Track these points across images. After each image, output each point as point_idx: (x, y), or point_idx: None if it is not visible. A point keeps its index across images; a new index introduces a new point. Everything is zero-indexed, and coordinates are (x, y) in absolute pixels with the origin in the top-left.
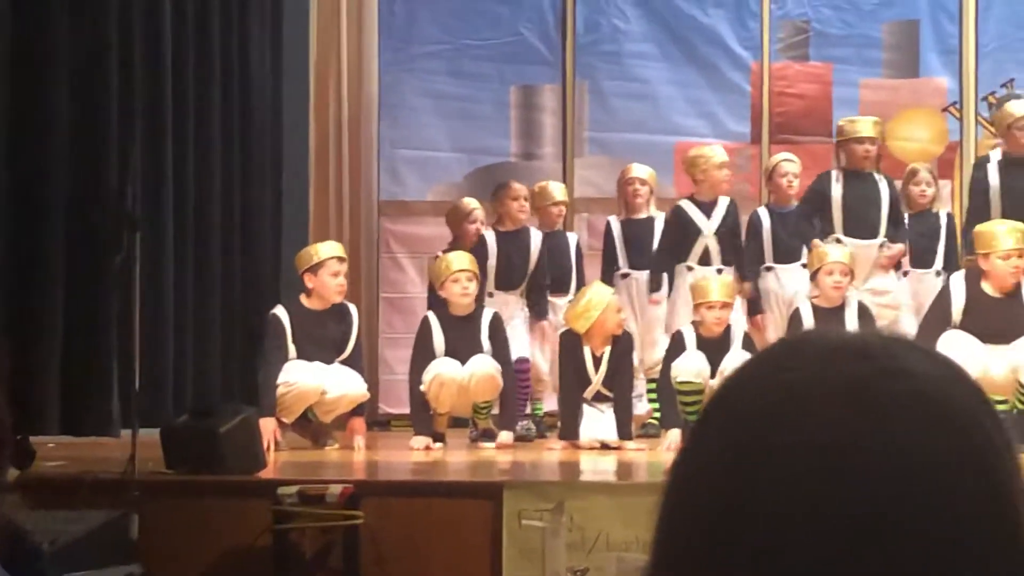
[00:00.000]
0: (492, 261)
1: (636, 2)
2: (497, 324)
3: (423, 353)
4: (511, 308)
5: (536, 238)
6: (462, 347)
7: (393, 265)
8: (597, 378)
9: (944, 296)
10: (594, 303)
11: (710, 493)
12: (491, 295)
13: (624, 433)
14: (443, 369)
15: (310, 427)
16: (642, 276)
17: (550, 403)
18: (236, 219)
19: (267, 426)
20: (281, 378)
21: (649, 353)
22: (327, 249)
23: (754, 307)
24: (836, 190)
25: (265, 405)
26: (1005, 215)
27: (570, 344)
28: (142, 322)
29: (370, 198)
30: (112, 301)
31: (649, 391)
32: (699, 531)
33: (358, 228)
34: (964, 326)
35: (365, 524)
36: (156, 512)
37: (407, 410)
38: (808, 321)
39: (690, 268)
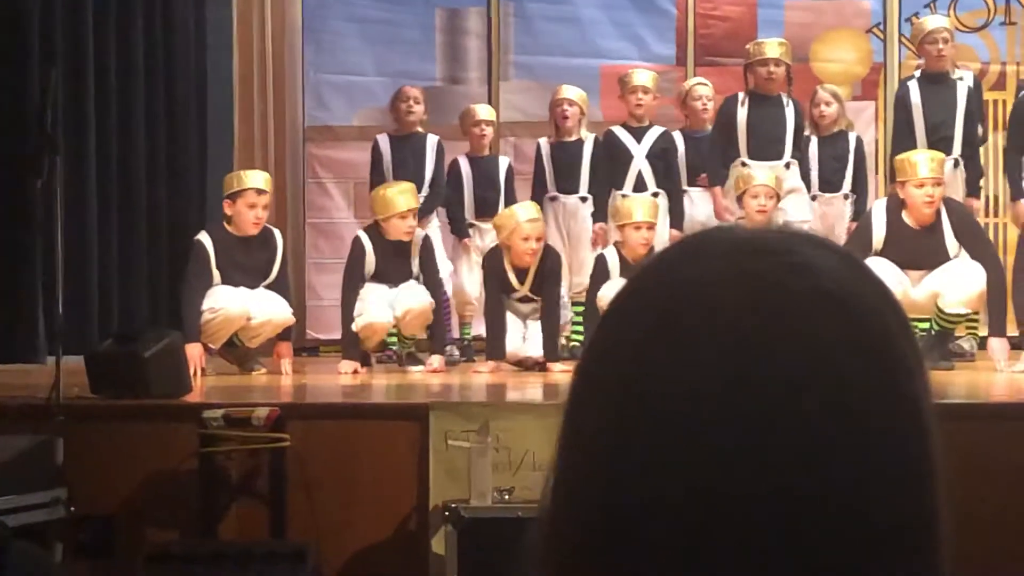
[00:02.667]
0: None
1: None
2: (428, 248)
3: (354, 276)
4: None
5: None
6: (393, 270)
7: (319, 190)
8: (524, 287)
9: (865, 224)
10: (512, 211)
11: (616, 387)
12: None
13: (551, 353)
14: (375, 316)
15: (236, 352)
16: (570, 200)
17: (478, 326)
18: (161, 144)
19: (193, 351)
20: (206, 304)
21: (576, 277)
22: (249, 179)
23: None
24: (741, 113)
25: (189, 330)
26: (927, 132)
27: (494, 260)
28: (66, 248)
29: (295, 124)
30: (34, 227)
31: (575, 314)
32: (604, 425)
33: (283, 154)
34: (884, 255)
35: (291, 447)
36: (81, 437)
37: (335, 335)
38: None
39: (624, 196)
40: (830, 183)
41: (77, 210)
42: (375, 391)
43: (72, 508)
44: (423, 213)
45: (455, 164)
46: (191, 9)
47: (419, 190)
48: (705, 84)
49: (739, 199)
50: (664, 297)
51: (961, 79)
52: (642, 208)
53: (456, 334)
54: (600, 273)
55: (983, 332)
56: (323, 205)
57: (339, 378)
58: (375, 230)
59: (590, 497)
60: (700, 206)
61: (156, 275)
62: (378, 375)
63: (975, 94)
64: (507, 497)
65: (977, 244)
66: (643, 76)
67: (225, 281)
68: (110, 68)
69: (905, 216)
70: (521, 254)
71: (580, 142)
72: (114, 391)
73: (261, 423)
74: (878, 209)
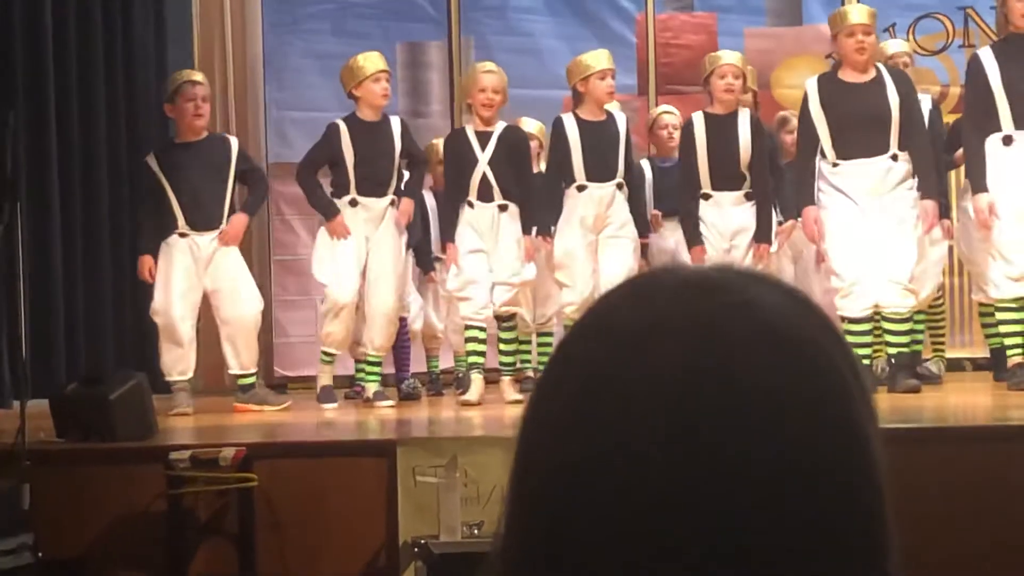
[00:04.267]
0: None
1: None
2: (407, 130)
3: (317, 158)
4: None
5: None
6: (373, 154)
7: (284, 227)
8: (484, 157)
9: (803, 109)
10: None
11: (564, 428)
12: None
13: (528, 230)
14: (345, 291)
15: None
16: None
17: (446, 360)
18: (124, 186)
19: (144, 263)
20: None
21: (541, 308)
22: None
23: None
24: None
25: (144, 245)
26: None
27: (452, 143)
28: (30, 291)
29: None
30: None
31: (541, 345)
32: (553, 467)
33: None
34: (828, 119)
35: (259, 486)
36: (47, 481)
37: (303, 372)
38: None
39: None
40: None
41: (41, 253)
42: (342, 428)
43: (40, 554)
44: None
45: (421, 199)
46: (152, 46)
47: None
48: (672, 112)
49: (706, 79)
50: (606, 346)
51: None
52: (605, 57)
53: (423, 367)
54: (559, 141)
55: (951, 354)
56: (288, 242)
57: (305, 415)
58: (352, 116)
59: (533, 543)
60: (667, 235)
61: (121, 318)
62: (343, 410)
63: (935, 115)
64: (477, 532)
65: (912, 116)
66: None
67: (175, 185)
68: (71, 106)
69: (841, 75)
70: (480, 108)
71: (540, 174)
72: (80, 434)
73: (228, 463)
74: (810, 84)
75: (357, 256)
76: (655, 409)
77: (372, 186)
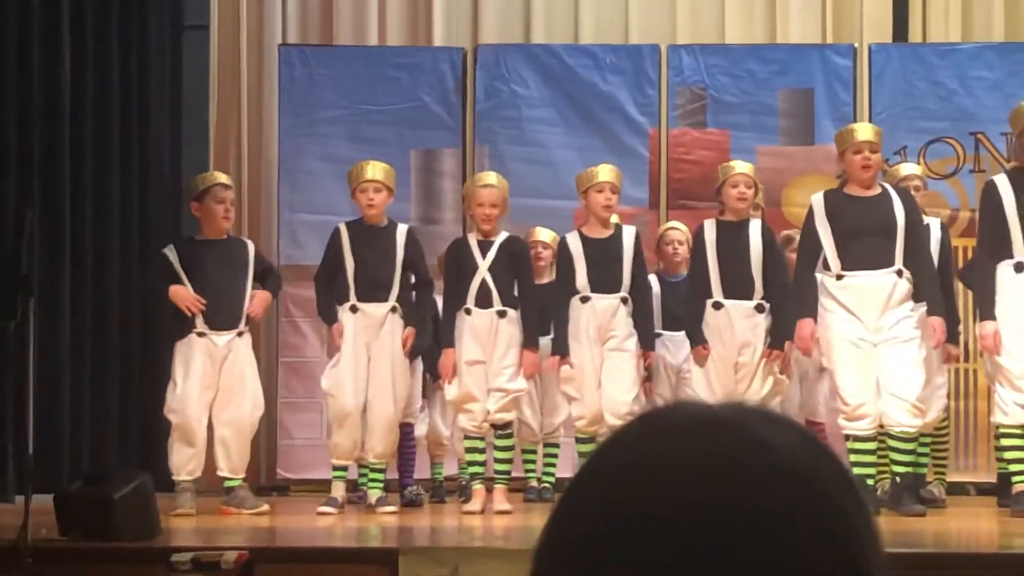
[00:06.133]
0: None
1: (535, 68)
2: (413, 239)
3: (328, 266)
4: None
5: None
6: (374, 260)
7: (293, 329)
8: (484, 264)
9: (808, 220)
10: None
11: (578, 561)
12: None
13: (530, 341)
14: (348, 403)
15: (237, 498)
16: (544, 340)
17: (450, 466)
18: (135, 287)
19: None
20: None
21: (548, 419)
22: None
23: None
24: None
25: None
26: None
27: (453, 250)
28: (37, 387)
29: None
30: (6, 366)
31: (547, 455)
32: None
33: None
34: (833, 229)
35: None
36: None
37: (306, 475)
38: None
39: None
40: None
41: (50, 349)
42: (345, 534)
43: None
44: (412, 355)
45: (433, 306)
46: (168, 145)
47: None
48: (678, 228)
49: (719, 189)
50: (619, 482)
51: (929, 225)
52: (604, 171)
53: (427, 473)
54: (564, 260)
55: (954, 477)
56: (296, 344)
57: (309, 519)
58: (355, 220)
59: None
60: (675, 351)
61: (127, 416)
62: (347, 515)
63: (945, 239)
64: None
65: (917, 233)
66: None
67: (195, 281)
68: (86, 205)
69: (846, 190)
70: (479, 221)
71: (549, 284)
72: (83, 533)
73: (230, 567)
74: (815, 199)
75: (357, 363)
76: (667, 544)
77: (372, 291)
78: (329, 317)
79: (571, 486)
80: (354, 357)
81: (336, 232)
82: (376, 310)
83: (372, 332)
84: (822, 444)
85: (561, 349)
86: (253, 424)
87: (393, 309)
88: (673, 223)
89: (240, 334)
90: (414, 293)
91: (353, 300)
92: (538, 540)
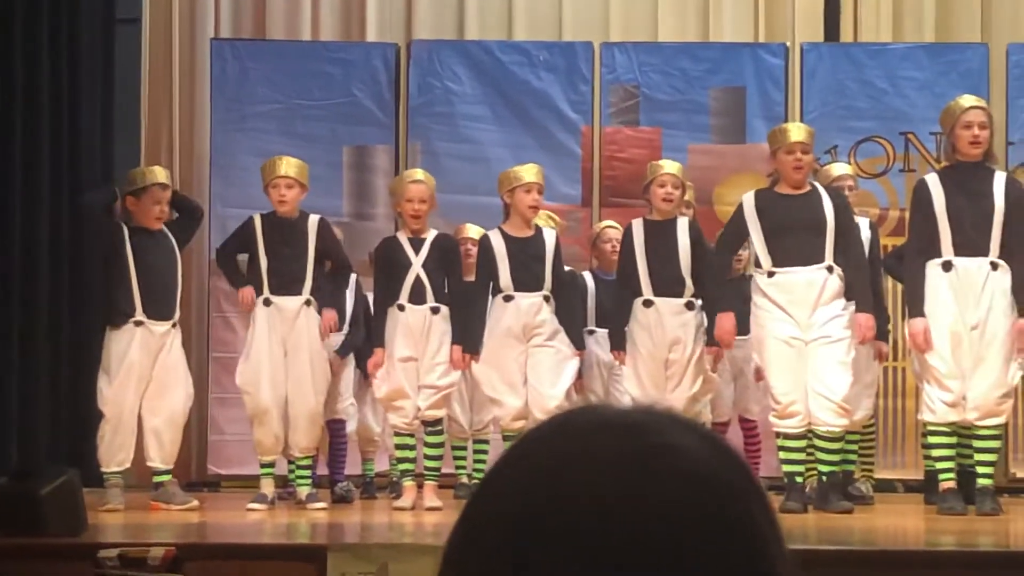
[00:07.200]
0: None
1: (469, 65)
2: (326, 228)
3: (230, 246)
4: None
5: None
6: (286, 252)
7: (224, 324)
8: (417, 260)
9: (736, 211)
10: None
11: (483, 560)
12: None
13: (458, 337)
14: (265, 400)
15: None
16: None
17: (381, 463)
18: (64, 281)
19: None
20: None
21: (478, 415)
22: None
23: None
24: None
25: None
26: None
27: (385, 248)
28: None
29: (201, 257)
30: None
31: (477, 451)
32: None
33: (189, 288)
34: (763, 228)
35: None
36: None
37: (237, 471)
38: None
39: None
40: (746, 326)
41: None
42: (274, 530)
43: None
44: (345, 351)
45: (365, 302)
46: (98, 139)
47: (340, 327)
48: (615, 227)
49: (646, 188)
50: (524, 482)
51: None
52: (532, 171)
53: (358, 470)
54: (486, 257)
55: (882, 475)
56: (227, 339)
57: (238, 516)
58: (269, 213)
59: None
60: (608, 348)
61: (57, 411)
62: (276, 512)
63: (874, 238)
64: None
65: (848, 230)
66: None
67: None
68: (14, 197)
69: (777, 189)
70: (408, 218)
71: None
72: (10, 530)
73: (157, 563)
74: (746, 197)
75: (272, 358)
76: (577, 539)
77: (286, 284)
78: (237, 281)
79: (483, 482)
80: (269, 352)
81: (250, 221)
82: (290, 303)
83: (287, 326)
84: (728, 447)
85: (473, 346)
86: (185, 413)
87: (307, 302)
88: (610, 222)
89: (174, 325)
90: (333, 279)
91: (267, 293)
92: (451, 530)
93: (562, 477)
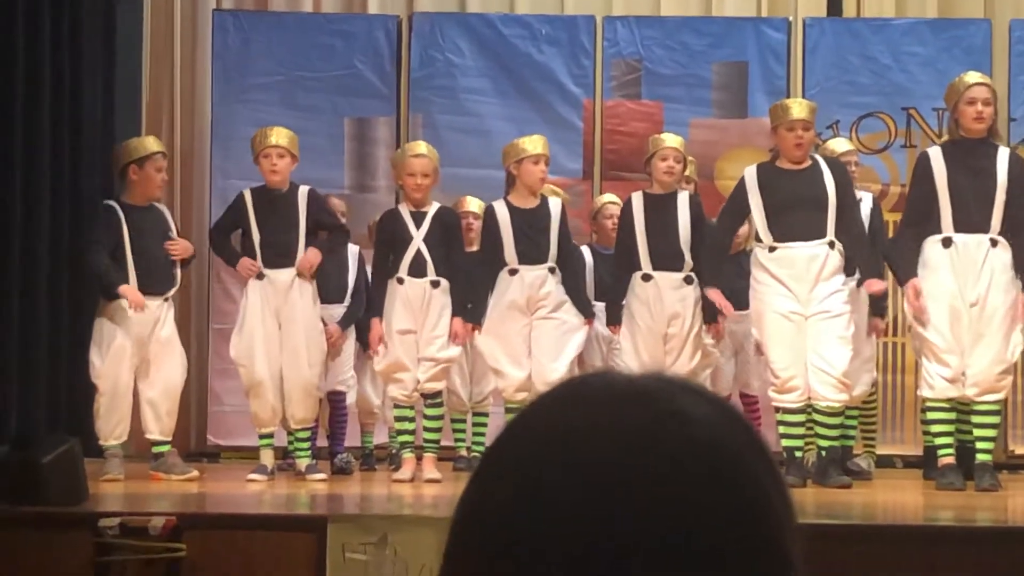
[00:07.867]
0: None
1: (471, 38)
2: (316, 198)
3: (224, 224)
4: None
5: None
6: (276, 226)
7: (224, 295)
8: (419, 234)
9: (738, 185)
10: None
11: (496, 524)
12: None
13: (459, 310)
14: (261, 372)
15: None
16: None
17: (380, 435)
18: (64, 251)
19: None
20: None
21: (477, 387)
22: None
23: None
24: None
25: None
26: None
27: (386, 221)
28: None
29: (202, 228)
30: None
31: (476, 424)
32: (484, 560)
33: None
34: (765, 204)
35: (188, 557)
36: None
37: (236, 442)
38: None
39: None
40: (741, 302)
41: None
42: (274, 501)
43: None
44: (346, 323)
45: (366, 275)
46: (100, 110)
47: (342, 299)
48: (616, 203)
49: (648, 162)
50: (539, 447)
51: (860, 200)
52: (540, 143)
53: (358, 441)
54: (491, 228)
55: (881, 450)
56: (227, 310)
57: (238, 486)
58: (259, 187)
59: None
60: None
61: (56, 380)
62: (276, 483)
63: (876, 214)
64: None
65: (848, 205)
66: None
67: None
68: (15, 171)
69: (778, 163)
70: (410, 191)
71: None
72: (10, 498)
73: (157, 532)
74: (748, 171)
75: (266, 331)
76: (586, 511)
77: (277, 257)
78: (232, 260)
79: (490, 451)
80: (262, 324)
81: (240, 197)
82: (283, 276)
83: (280, 298)
84: (739, 416)
85: (476, 318)
86: (180, 385)
87: (300, 274)
88: (611, 197)
89: (167, 299)
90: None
91: (260, 266)
92: (456, 505)
93: (570, 447)
